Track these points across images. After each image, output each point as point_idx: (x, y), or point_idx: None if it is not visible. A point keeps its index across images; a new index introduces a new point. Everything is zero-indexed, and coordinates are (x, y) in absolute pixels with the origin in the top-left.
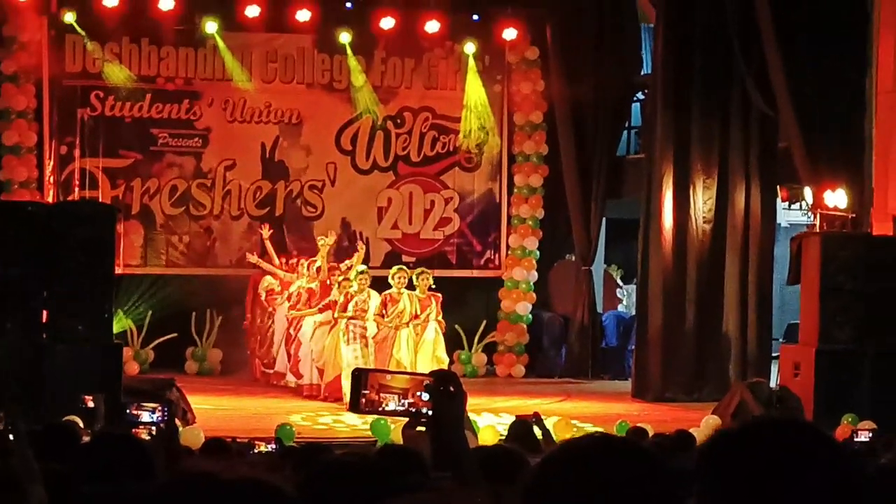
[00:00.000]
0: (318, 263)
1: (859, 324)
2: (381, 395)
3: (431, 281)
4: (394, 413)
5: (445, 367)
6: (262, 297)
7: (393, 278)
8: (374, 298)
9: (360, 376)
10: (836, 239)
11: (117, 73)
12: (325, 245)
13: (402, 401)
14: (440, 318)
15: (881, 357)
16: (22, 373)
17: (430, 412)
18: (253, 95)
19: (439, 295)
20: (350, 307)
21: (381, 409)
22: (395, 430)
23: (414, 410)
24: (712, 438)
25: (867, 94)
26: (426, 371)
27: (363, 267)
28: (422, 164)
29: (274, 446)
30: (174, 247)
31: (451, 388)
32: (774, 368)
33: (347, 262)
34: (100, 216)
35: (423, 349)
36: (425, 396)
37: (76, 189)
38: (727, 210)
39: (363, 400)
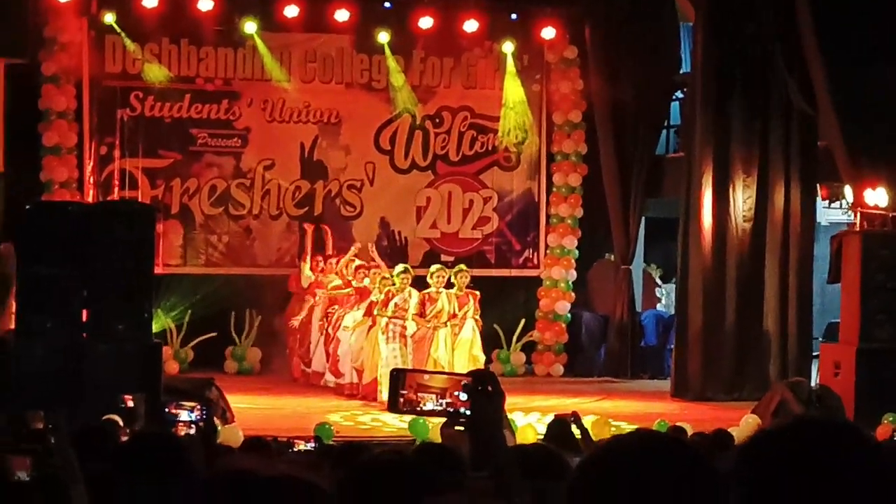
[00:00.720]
0: (356, 263)
1: None
2: (420, 394)
3: (469, 278)
4: (432, 413)
5: (482, 365)
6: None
7: (432, 277)
8: (415, 297)
9: (398, 376)
10: (876, 237)
11: (156, 73)
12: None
13: (441, 400)
14: (477, 315)
15: None
16: (62, 372)
17: (468, 412)
18: (292, 95)
19: (477, 293)
20: (391, 306)
21: (419, 408)
22: (433, 429)
23: (452, 410)
24: (752, 438)
25: None
26: (463, 369)
27: (405, 266)
28: (460, 164)
29: (313, 445)
30: (213, 246)
31: (490, 388)
32: (815, 368)
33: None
34: (139, 216)
35: (459, 347)
36: (463, 396)
37: (116, 189)
38: (767, 209)
39: (401, 399)
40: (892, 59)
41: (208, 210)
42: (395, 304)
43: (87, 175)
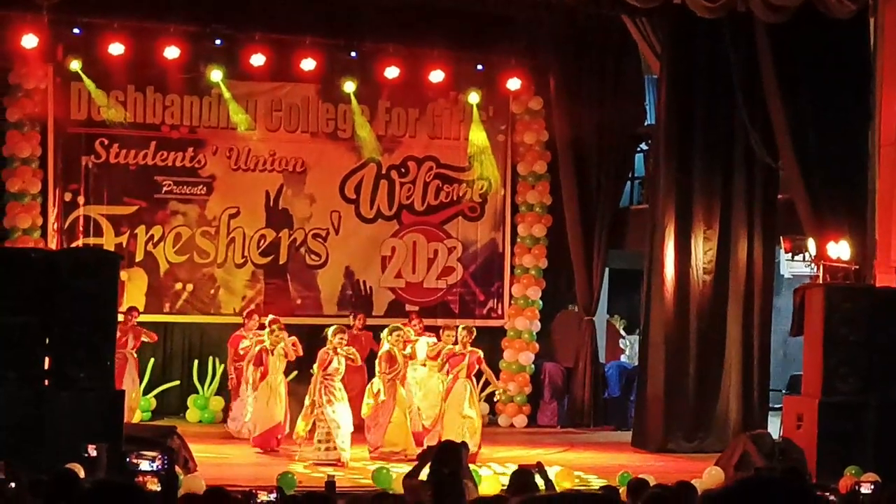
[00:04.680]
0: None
1: (863, 375)
2: None
3: (474, 335)
4: None
5: (474, 423)
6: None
7: (390, 335)
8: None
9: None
10: (839, 291)
11: (115, 114)
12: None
13: None
14: (474, 373)
15: (884, 409)
16: (24, 420)
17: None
18: (257, 144)
19: (479, 352)
20: (331, 366)
21: None
22: (396, 479)
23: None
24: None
25: (870, 147)
26: (453, 427)
27: (338, 325)
28: (426, 214)
29: (275, 495)
30: (178, 294)
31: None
32: (774, 420)
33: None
34: (103, 264)
35: (450, 406)
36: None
37: (80, 236)
38: (728, 261)
39: None
40: (856, 113)
41: (173, 258)
42: (334, 367)
43: (50, 222)
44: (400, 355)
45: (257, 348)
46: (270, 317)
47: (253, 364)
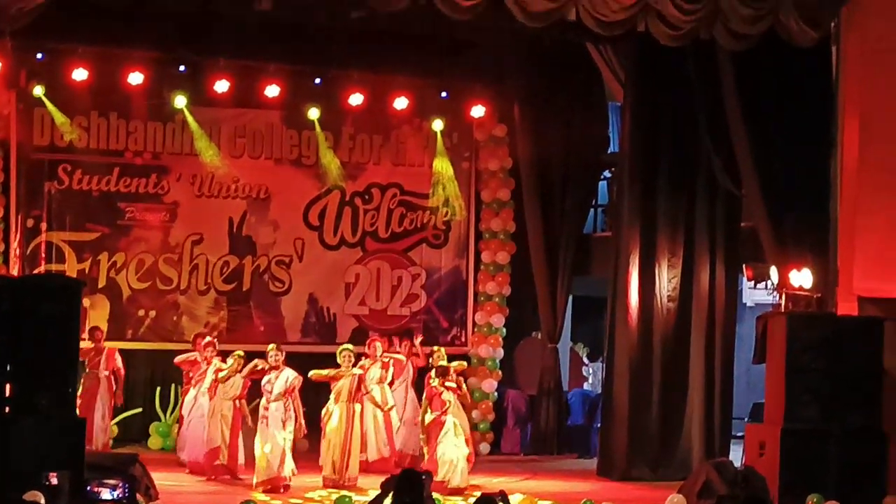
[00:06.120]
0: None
1: (825, 403)
2: None
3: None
4: None
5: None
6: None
7: (339, 356)
8: (283, 378)
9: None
10: (801, 319)
11: (77, 136)
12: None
13: None
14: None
15: (847, 437)
16: None
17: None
18: (221, 170)
19: (462, 386)
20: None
21: None
22: None
23: None
24: None
25: (832, 175)
26: (449, 459)
27: (274, 345)
28: (389, 241)
29: None
30: (140, 321)
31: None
32: (736, 448)
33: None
34: (65, 290)
35: (445, 439)
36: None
37: (42, 262)
38: (692, 288)
39: None
40: (818, 141)
41: (136, 284)
42: (262, 385)
43: (12, 248)
44: (351, 376)
45: (209, 378)
46: (207, 339)
47: (208, 391)
